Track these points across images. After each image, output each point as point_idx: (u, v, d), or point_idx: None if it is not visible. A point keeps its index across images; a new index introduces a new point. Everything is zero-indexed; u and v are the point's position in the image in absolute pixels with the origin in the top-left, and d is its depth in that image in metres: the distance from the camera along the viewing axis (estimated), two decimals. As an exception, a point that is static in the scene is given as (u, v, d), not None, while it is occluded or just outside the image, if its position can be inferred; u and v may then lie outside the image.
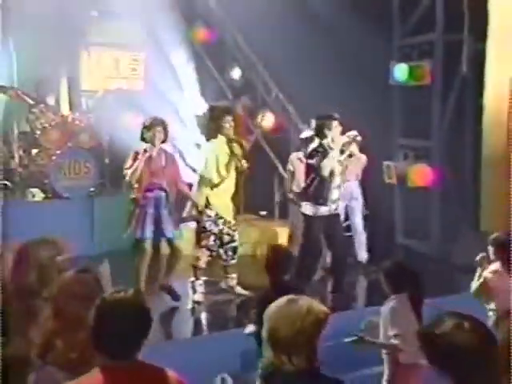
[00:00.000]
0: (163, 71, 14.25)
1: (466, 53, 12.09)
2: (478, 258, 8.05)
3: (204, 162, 10.20)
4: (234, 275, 10.36)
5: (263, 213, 13.36)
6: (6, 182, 11.98)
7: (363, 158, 11.55)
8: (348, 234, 11.91)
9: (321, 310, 4.33)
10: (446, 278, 11.53)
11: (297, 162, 11.33)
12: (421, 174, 12.78)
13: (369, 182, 12.19)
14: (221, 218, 10.11)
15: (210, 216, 10.04)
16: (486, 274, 7.85)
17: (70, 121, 12.88)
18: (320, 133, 10.47)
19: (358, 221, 11.93)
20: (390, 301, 7.07)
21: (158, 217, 9.65)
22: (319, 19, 12.68)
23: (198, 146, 11.33)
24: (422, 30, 12.55)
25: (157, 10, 13.63)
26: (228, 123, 10.10)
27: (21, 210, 11.45)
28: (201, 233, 10.11)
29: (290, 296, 4.41)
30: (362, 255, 11.93)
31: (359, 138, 10.86)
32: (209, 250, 10.05)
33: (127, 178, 9.59)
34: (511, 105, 11.54)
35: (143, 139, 9.64)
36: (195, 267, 10.00)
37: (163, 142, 9.78)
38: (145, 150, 9.50)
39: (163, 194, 9.67)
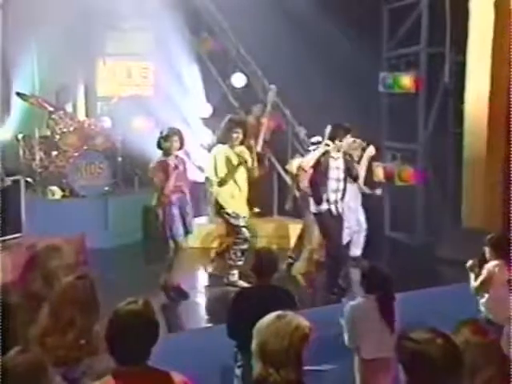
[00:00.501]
0: (171, 78, 14.20)
1: (448, 64, 12.33)
2: (468, 264, 7.94)
3: (208, 164, 10.45)
4: (236, 271, 10.41)
5: (257, 210, 13.02)
6: (28, 179, 12.06)
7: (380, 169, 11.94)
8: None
9: (307, 326, 4.27)
10: (430, 270, 11.53)
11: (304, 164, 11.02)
12: (407, 174, 12.86)
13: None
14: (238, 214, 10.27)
15: (230, 214, 10.23)
16: (489, 268, 7.73)
17: (86, 126, 13.04)
18: (331, 140, 10.43)
19: (362, 219, 11.89)
20: (357, 300, 7.13)
21: (183, 216, 9.76)
22: (316, 35, 12.69)
23: (208, 149, 11.33)
24: (408, 43, 12.66)
25: (165, 23, 13.68)
26: (236, 134, 10.20)
27: (42, 207, 11.74)
28: (231, 229, 10.36)
29: (279, 312, 4.35)
30: (356, 252, 11.92)
31: (372, 152, 10.98)
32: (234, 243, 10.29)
33: (163, 191, 9.56)
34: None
35: (160, 148, 9.73)
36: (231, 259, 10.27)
37: (179, 149, 9.90)
38: (175, 166, 9.57)
39: (185, 195, 9.81)
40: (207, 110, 14.52)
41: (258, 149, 12.05)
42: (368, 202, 12.30)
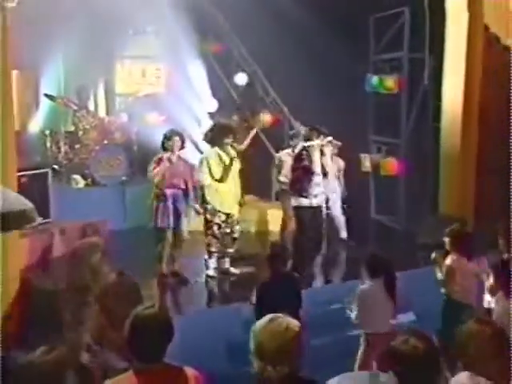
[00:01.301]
0: (181, 78, 14.33)
1: (427, 68, 12.38)
2: (432, 255, 8.08)
3: (199, 165, 10.23)
4: (227, 259, 10.38)
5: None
6: (55, 167, 12.32)
7: (340, 161, 11.83)
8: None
9: (296, 325, 4.32)
10: (410, 252, 11.55)
11: (285, 158, 11.25)
12: (390, 165, 13.02)
13: (350, 170, 12.30)
14: (219, 211, 10.13)
15: (208, 209, 10.12)
16: (448, 262, 7.79)
17: (106, 122, 13.28)
18: (307, 139, 10.75)
19: (337, 209, 11.98)
20: (366, 284, 7.30)
21: (176, 210, 9.83)
22: (312, 41, 12.81)
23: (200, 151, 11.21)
24: (392, 49, 12.74)
25: (176, 29, 13.71)
26: (228, 139, 10.17)
27: (67, 195, 11.86)
28: (206, 223, 10.20)
29: (271, 315, 4.38)
30: (343, 234, 12.05)
31: (337, 143, 11.22)
32: (215, 237, 10.14)
33: (153, 179, 9.74)
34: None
35: (164, 148, 9.86)
36: (209, 251, 10.15)
37: (181, 149, 9.96)
38: (168, 159, 9.71)
39: (180, 192, 9.85)
40: (213, 105, 14.64)
41: (243, 147, 11.85)
42: (356, 189, 12.49)
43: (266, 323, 4.26)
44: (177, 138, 9.89)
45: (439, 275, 7.95)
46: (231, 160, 10.20)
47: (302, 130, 11.57)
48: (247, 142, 11.99)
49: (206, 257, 10.26)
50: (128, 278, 5.86)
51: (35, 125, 13.94)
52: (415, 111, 12.85)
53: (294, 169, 10.72)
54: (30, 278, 7.83)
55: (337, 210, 12.09)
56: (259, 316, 5.79)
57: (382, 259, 7.55)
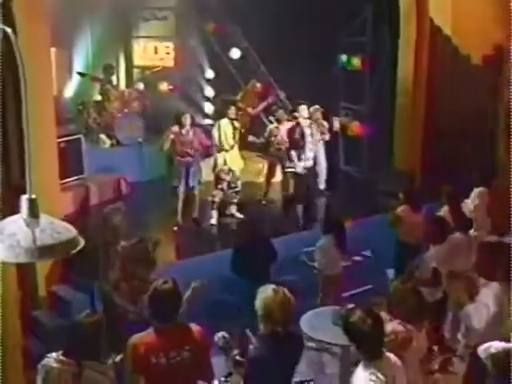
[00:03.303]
0: (186, 54, 14.58)
1: (386, 49, 12.45)
2: (388, 205, 8.71)
3: (217, 135, 10.53)
4: (234, 206, 10.69)
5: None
6: (86, 130, 12.51)
7: (325, 123, 11.85)
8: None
9: (292, 297, 4.57)
10: (372, 197, 11.89)
11: (275, 130, 11.29)
12: (355, 127, 13.14)
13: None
14: (231, 170, 10.48)
15: (223, 170, 10.45)
16: (398, 211, 8.37)
17: (126, 94, 13.27)
18: (292, 111, 11.09)
19: (323, 165, 12.11)
20: (322, 240, 7.79)
21: (187, 173, 10.07)
22: (296, 26, 12.75)
23: (213, 125, 11.28)
24: (359, 33, 12.65)
25: (181, 14, 14.13)
26: (232, 110, 10.52)
27: (97, 154, 12.05)
28: (218, 179, 10.51)
29: (273, 287, 4.58)
30: (322, 185, 12.19)
31: (320, 108, 11.52)
32: (222, 190, 10.44)
33: (163, 148, 10.08)
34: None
35: (178, 123, 9.97)
36: (212, 202, 10.41)
37: (192, 124, 10.10)
38: (176, 132, 9.92)
39: (191, 159, 10.04)
40: (210, 73, 14.91)
41: (254, 113, 12.48)
42: (329, 146, 12.50)
43: (272, 295, 4.50)
44: (187, 116, 10.10)
45: (391, 220, 8.41)
46: (234, 132, 10.56)
47: (279, 112, 11.69)
48: (259, 108, 12.54)
49: (231, 206, 10.59)
50: (145, 245, 6.14)
51: (70, 97, 14.10)
52: (376, 84, 12.84)
53: (288, 138, 10.91)
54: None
55: (322, 166, 12.21)
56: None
57: (333, 221, 8.07)
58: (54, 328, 7.21)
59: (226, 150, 10.57)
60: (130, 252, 6.10)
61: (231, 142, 10.52)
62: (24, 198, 2.77)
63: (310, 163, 11.04)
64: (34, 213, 2.81)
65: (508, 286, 5.61)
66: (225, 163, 10.52)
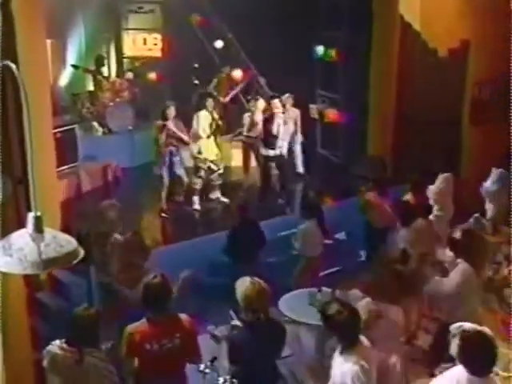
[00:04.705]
0: (173, 45, 14.37)
1: (361, 43, 12.08)
2: (358, 189, 8.75)
3: (195, 125, 10.52)
4: (218, 190, 10.83)
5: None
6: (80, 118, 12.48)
7: (297, 110, 11.93)
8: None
9: (267, 286, 4.74)
10: (346, 180, 11.82)
11: (249, 119, 11.39)
12: (332, 114, 13.18)
13: (302, 117, 12.31)
14: (207, 159, 10.46)
15: (199, 158, 10.46)
16: (367, 196, 8.60)
17: (117, 85, 13.20)
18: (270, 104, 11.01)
19: (298, 150, 12.25)
20: (303, 224, 7.92)
21: (171, 162, 10.10)
22: (277, 19, 12.67)
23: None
24: (335, 28, 12.64)
25: (169, 7, 14.00)
26: (209, 102, 10.52)
27: (91, 140, 12.12)
28: (196, 168, 10.55)
29: (250, 278, 4.73)
30: (300, 169, 12.34)
31: (291, 97, 11.60)
32: (200, 177, 10.50)
33: (159, 140, 9.98)
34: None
35: (163, 116, 9.96)
36: (194, 189, 10.48)
37: (176, 116, 10.04)
38: (164, 125, 9.92)
39: (174, 148, 10.06)
40: (196, 63, 14.48)
41: (225, 101, 12.46)
42: (307, 131, 12.68)
43: (250, 286, 4.68)
44: (172, 108, 10.06)
45: (361, 206, 8.66)
46: (219, 118, 10.61)
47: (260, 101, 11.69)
48: (229, 97, 12.57)
49: (214, 191, 10.68)
50: (139, 238, 6.33)
51: (64, 86, 14.05)
52: (351, 74, 12.73)
53: (263, 126, 10.94)
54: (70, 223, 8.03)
55: (297, 150, 12.26)
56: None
57: (314, 206, 8.18)
58: (57, 309, 7.37)
59: (203, 139, 10.52)
60: (126, 244, 6.26)
61: (208, 131, 10.47)
62: (30, 216, 2.91)
63: (284, 150, 11.11)
64: (38, 228, 2.96)
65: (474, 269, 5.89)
66: (199, 152, 10.52)
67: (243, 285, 4.73)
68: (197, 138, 10.52)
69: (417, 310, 7.21)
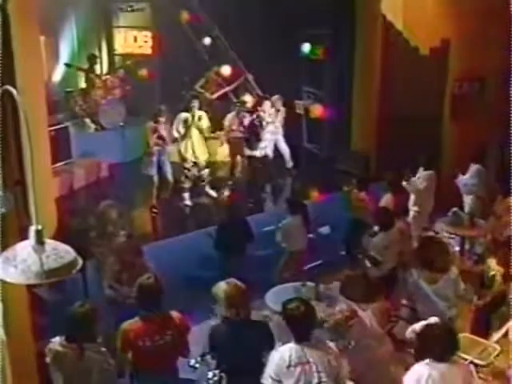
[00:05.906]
0: (163, 42, 14.30)
1: (346, 41, 12.27)
2: (344, 189, 8.88)
3: (174, 127, 10.61)
4: (207, 185, 10.97)
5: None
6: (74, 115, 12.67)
7: (283, 109, 11.97)
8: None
9: (243, 285, 4.84)
10: (330, 174, 12.02)
11: (230, 120, 11.36)
12: (317, 110, 13.16)
13: (288, 112, 12.32)
14: (188, 158, 10.57)
15: (184, 157, 10.64)
16: (355, 194, 8.71)
17: (109, 82, 13.27)
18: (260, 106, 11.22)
19: (284, 147, 12.29)
20: (288, 218, 8.04)
21: (160, 162, 10.25)
22: (264, 17, 12.89)
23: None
24: (322, 26, 12.61)
25: (158, 5, 14.02)
26: (194, 104, 10.53)
27: (84, 137, 12.24)
28: (182, 168, 10.66)
29: (225, 282, 4.83)
30: (289, 164, 12.39)
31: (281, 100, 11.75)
32: (187, 177, 10.62)
33: (150, 143, 10.10)
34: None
35: (155, 119, 10.07)
36: (183, 188, 10.63)
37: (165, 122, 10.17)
38: (155, 128, 10.04)
39: (161, 148, 10.19)
40: (185, 59, 14.36)
41: (211, 98, 12.57)
42: (293, 126, 12.79)
43: (231, 287, 4.82)
44: (164, 113, 10.21)
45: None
46: (199, 118, 10.58)
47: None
48: (217, 94, 12.62)
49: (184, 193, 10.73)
50: (134, 240, 6.53)
51: (57, 82, 14.01)
52: (336, 71, 12.93)
53: (249, 127, 11.11)
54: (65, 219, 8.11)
55: (283, 146, 12.36)
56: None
57: (298, 202, 8.30)
58: (54, 303, 7.46)
59: (181, 139, 10.63)
60: (126, 246, 6.42)
61: (182, 132, 10.57)
62: (32, 229, 3.07)
63: (268, 151, 11.26)
64: (40, 241, 3.13)
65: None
66: (181, 152, 10.63)
67: (219, 287, 4.86)
68: (174, 139, 10.59)
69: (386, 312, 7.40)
